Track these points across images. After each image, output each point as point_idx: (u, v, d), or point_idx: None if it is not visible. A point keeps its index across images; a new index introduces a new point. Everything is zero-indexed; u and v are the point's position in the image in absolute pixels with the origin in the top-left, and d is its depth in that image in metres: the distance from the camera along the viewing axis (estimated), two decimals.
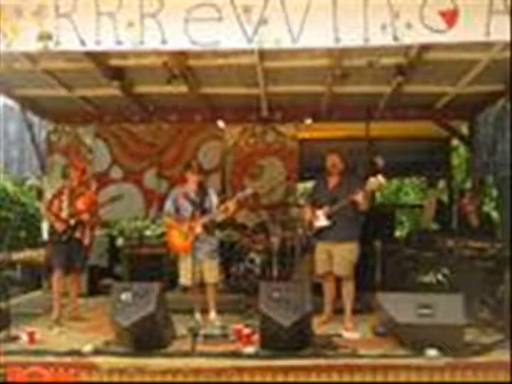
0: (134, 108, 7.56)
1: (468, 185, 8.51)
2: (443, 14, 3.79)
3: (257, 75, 6.10)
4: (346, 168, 5.30)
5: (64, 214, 5.48)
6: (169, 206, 5.45)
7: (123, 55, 5.68)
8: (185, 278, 5.27)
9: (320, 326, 4.91)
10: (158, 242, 8.01)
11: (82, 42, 3.95)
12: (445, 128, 8.05)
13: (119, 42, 3.94)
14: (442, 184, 8.89)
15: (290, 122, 7.89)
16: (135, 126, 8.00)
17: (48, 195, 7.02)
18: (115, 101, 7.22)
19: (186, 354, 4.08)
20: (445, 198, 8.30)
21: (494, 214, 7.70)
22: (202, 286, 5.32)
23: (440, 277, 5.67)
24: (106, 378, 3.91)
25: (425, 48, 5.26)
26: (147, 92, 7.04)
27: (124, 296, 4.25)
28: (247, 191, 5.40)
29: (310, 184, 8.48)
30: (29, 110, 7.63)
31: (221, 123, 7.89)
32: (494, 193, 8.65)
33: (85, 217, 5.47)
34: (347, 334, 4.77)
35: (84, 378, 3.92)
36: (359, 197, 4.94)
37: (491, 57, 5.38)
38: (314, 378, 3.86)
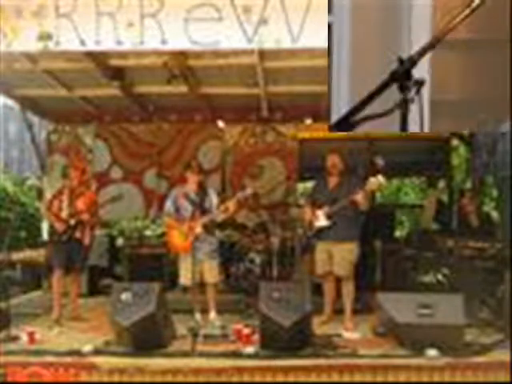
0: (134, 108, 7.55)
1: (468, 185, 8.49)
2: None
3: (257, 75, 6.10)
4: (345, 168, 5.30)
5: (64, 214, 5.48)
6: (169, 205, 5.44)
7: (123, 55, 5.69)
8: (185, 278, 5.26)
9: (320, 326, 4.90)
10: (158, 241, 8.01)
11: (82, 42, 3.96)
12: None
13: (119, 42, 3.95)
14: (442, 184, 8.88)
15: (289, 122, 7.88)
16: (135, 125, 7.99)
17: (48, 195, 7.01)
18: (115, 101, 7.22)
19: (185, 354, 4.08)
20: (445, 198, 8.30)
21: (494, 214, 7.69)
22: (202, 286, 5.32)
23: (440, 277, 5.68)
24: (105, 378, 3.91)
25: None
26: (147, 92, 7.03)
27: (124, 296, 4.25)
28: (247, 191, 5.39)
29: (309, 184, 8.48)
30: (29, 110, 7.63)
31: (221, 123, 7.89)
32: (494, 193, 8.64)
33: (85, 217, 5.47)
34: (347, 334, 4.77)
35: (84, 378, 3.92)
36: (359, 197, 4.94)
37: None
38: (313, 378, 3.85)
